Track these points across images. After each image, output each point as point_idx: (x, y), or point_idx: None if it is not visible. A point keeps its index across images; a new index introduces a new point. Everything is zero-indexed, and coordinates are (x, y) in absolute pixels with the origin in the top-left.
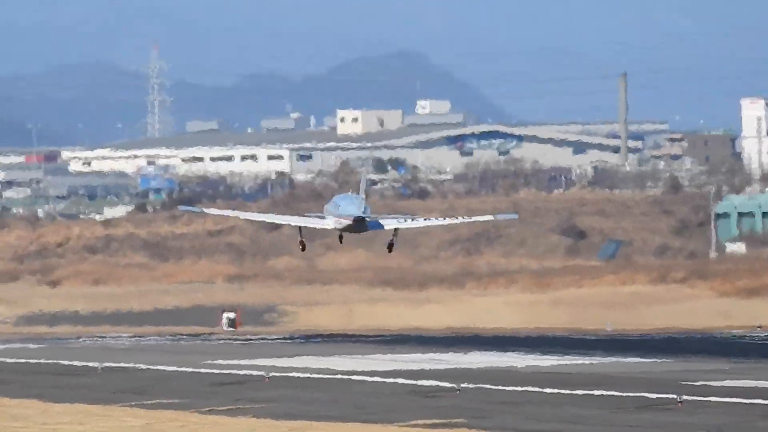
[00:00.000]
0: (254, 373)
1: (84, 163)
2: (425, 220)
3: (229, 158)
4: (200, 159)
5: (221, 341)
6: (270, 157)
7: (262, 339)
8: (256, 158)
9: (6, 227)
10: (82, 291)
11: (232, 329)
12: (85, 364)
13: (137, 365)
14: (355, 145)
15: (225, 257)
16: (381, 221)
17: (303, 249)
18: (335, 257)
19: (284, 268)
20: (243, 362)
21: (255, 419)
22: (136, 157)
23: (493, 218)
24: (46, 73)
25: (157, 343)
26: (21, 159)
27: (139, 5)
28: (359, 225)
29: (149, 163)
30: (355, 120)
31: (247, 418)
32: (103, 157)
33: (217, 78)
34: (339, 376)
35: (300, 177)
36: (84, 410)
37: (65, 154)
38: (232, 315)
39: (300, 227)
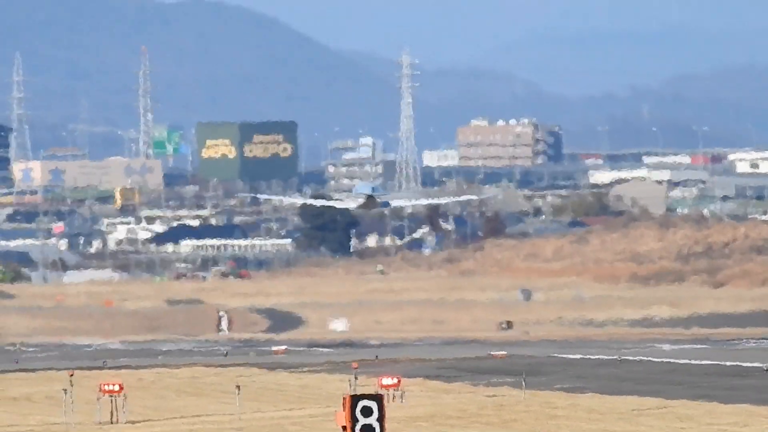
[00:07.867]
0: None
1: (751, 165)
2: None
3: None
4: None
5: None
6: None
7: None
8: None
9: (672, 227)
10: (749, 292)
11: None
12: (750, 364)
13: None
14: None
15: None
16: (390, 201)
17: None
18: None
19: None
20: None
21: None
22: None
23: None
24: (714, 74)
25: None
26: (687, 160)
27: None
28: (371, 202)
29: None
30: None
31: None
32: None
33: None
34: None
35: None
36: (749, 411)
37: (732, 156)
38: None
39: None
